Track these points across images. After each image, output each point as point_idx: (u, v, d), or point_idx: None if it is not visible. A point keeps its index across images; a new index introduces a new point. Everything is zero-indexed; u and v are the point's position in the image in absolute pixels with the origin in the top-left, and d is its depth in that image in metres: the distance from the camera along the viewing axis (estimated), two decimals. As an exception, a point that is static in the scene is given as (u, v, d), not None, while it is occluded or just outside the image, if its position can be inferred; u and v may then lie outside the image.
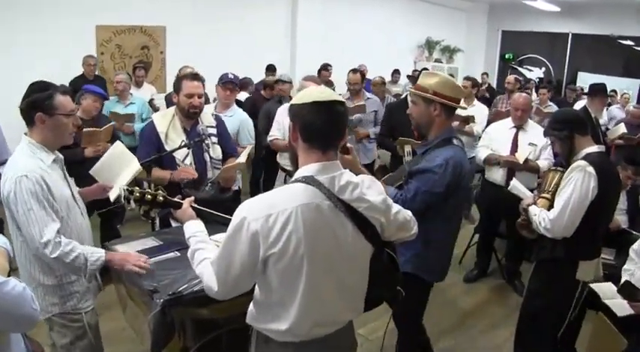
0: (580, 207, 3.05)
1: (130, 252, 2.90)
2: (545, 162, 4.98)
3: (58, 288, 2.67)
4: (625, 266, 3.65)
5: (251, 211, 1.85)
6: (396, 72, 12.20)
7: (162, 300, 2.51)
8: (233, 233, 1.87)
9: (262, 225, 1.81)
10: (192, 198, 2.62)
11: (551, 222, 3.10)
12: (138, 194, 2.65)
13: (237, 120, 4.93)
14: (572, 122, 3.25)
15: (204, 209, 2.61)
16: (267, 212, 1.83)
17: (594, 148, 3.18)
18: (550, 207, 3.28)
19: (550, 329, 3.37)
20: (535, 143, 5.01)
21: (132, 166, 3.29)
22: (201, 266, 2.07)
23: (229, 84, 4.97)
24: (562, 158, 3.40)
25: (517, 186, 3.72)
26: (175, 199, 2.66)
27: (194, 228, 2.34)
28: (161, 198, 2.64)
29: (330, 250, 1.90)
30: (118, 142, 3.52)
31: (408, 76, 11.63)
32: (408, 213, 2.22)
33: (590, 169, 3.02)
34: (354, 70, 6.15)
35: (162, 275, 2.70)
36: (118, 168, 3.26)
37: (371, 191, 2.01)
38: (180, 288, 2.58)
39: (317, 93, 1.95)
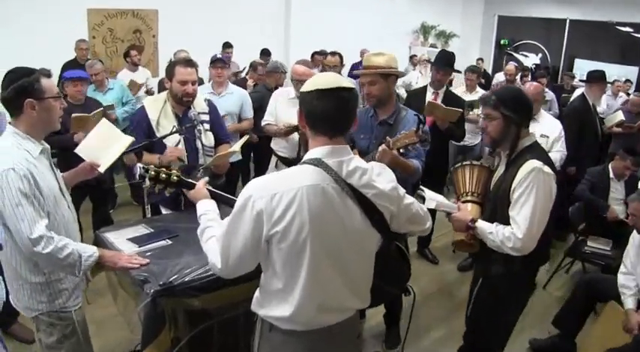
0: (546, 214, 2.70)
1: (123, 246, 2.87)
2: (557, 154, 4.90)
3: (46, 286, 2.55)
4: (623, 283, 3.61)
5: (257, 190, 1.87)
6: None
7: (152, 290, 2.47)
8: (238, 211, 1.89)
9: (267, 204, 1.84)
10: (207, 179, 2.65)
11: (521, 241, 2.65)
12: (153, 172, 2.65)
13: (240, 95, 5.55)
14: (529, 110, 2.85)
15: (218, 191, 2.62)
16: (272, 191, 1.85)
17: (529, 139, 2.82)
18: (481, 211, 2.97)
19: (506, 332, 3.15)
20: (547, 134, 4.94)
21: (122, 141, 3.21)
22: (208, 243, 2.10)
23: (218, 62, 5.34)
24: (499, 145, 2.88)
25: (442, 201, 3.00)
26: (190, 180, 2.68)
27: (206, 207, 2.37)
28: (175, 178, 2.66)
29: (335, 233, 1.91)
30: (104, 120, 3.41)
31: (412, 57, 11.72)
32: (423, 208, 2.22)
33: (548, 169, 2.67)
34: (332, 53, 6.12)
35: (152, 265, 2.65)
36: (106, 145, 3.14)
37: (380, 178, 2.01)
38: (171, 278, 2.53)
39: (322, 80, 1.96)
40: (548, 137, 4.94)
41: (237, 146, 3.67)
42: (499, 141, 2.83)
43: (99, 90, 6.35)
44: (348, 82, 1.98)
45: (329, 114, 1.92)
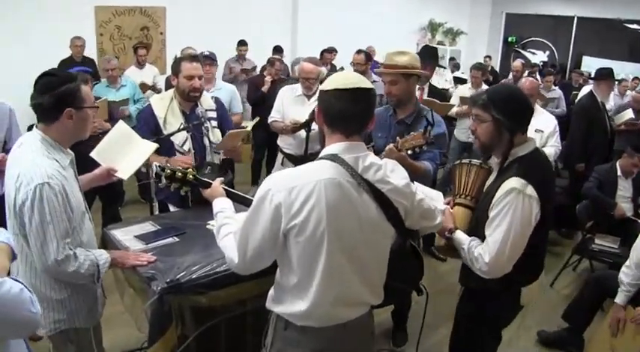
0: (522, 240, 2.40)
1: (131, 243, 2.86)
2: (552, 149, 4.91)
3: (68, 302, 2.46)
4: (622, 278, 3.56)
5: (275, 184, 1.90)
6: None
7: (160, 288, 2.47)
8: (257, 205, 1.91)
9: (285, 197, 1.85)
10: (222, 178, 2.65)
11: (487, 265, 2.40)
12: (169, 171, 2.66)
13: (228, 91, 5.63)
14: (525, 114, 2.51)
15: (233, 190, 2.63)
16: (291, 184, 1.87)
17: (525, 147, 2.50)
18: (471, 216, 2.68)
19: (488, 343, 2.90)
20: (542, 129, 4.94)
21: (145, 147, 3.20)
22: (225, 239, 2.11)
23: (207, 59, 5.37)
24: (490, 150, 2.58)
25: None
26: (205, 179, 2.69)
27: (222, 205, 2.39)
28: (191, 177, 2.68)
29: (351, 227, 1.92)
30: (120, 122, 3.37)
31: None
32: (433, 203, 2.25)
33: (530, 190, 2.35)
34: (358, 51, 6.15)
35: (160, 262, 2.66)
36: (123, 149, 3.11)
37: (394, 174, 2.03)
38: (179, 276, 2.54)
39: (341, 79, 1.98)
40: (542, 132, 4.95)
41: (249, 126, 3.68)
42: (489, 146, 2.54)
43: (112, 87, 6.37)
44: (367, 82, 1.99)
45: (346, 113, 1.93)
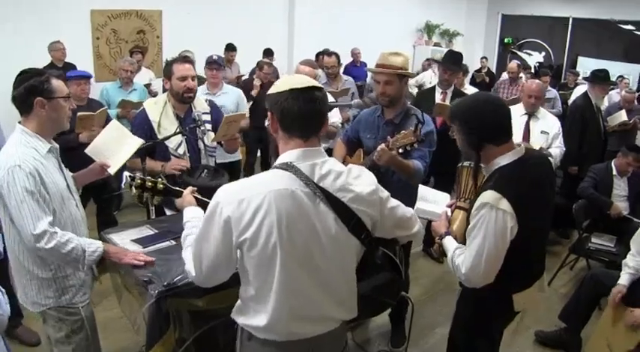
0: (497, 253, 2.32)
1: (127, 247, 2.87)
2: (557, 150, 4.93)
3: (53, 282, 2.60)
4: (627, 262, 3.62)
5: (225, 196, 1.83)
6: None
7: (157, 291, 2.47)
8: (208, 218, 1.86)
9: (234, 210, 1.79)
10: (195, 188, 2.61)
11: (465, 275, 2.39)
12: (139, 180, 2.69)
13: (235, 94, 5.61)
14: (487, 128, 2.38)
15: (205, 199, 2.57)
16: (240, 197, 1.80)
17: (507, 157, 2.40)
18: (467, 221, 2.53)
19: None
20: (547, 131, 4.96)
21: (133, 142, 3.25)
22: (186, 251, 2.07)
23: (213, 64, 5.49)
24: (470, 159, 2.59)
25: (423, 208, 2.94)
26: (176, 188, 2.70)
27: (191, 214, 2.35)
28: (161, 186, 2.70)
29: (307, 239, 1.83)
30: (113, 121, 3.47)
31: (428, 60, 11.22)
32: (409, 211, 2.14)
33: (505, 205, 2.26)
34: (329, 53, 6.19)
35: (157, 265, 2.67)
36: (115, 145, 3.20)
37: (359, 181, 1.93)
38: (176, 279, 2.54)
39: (294, 80, 1.91)
40: (548, 133, 4.97)
41: (246, 111, 3.67)
42: (468, 155, 2.55)
43: (124, 89, 6.40)
44: (316, 82, 1.94)
45: (305, 114, 1.85)
